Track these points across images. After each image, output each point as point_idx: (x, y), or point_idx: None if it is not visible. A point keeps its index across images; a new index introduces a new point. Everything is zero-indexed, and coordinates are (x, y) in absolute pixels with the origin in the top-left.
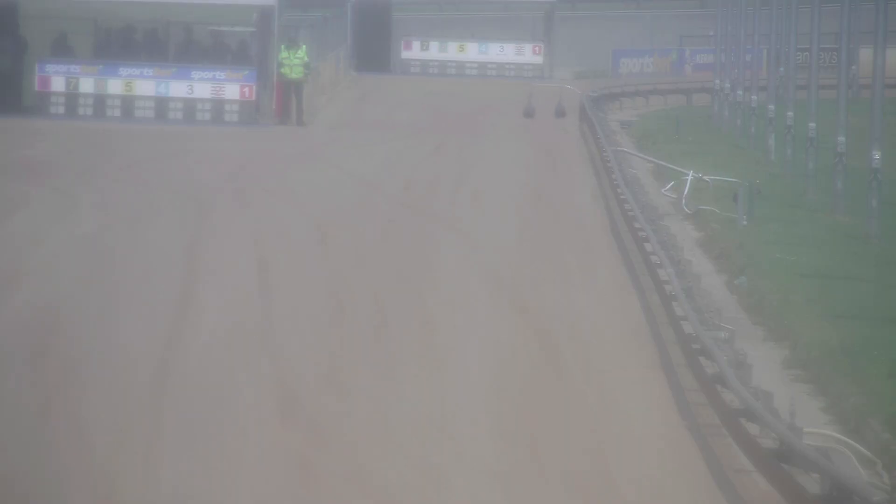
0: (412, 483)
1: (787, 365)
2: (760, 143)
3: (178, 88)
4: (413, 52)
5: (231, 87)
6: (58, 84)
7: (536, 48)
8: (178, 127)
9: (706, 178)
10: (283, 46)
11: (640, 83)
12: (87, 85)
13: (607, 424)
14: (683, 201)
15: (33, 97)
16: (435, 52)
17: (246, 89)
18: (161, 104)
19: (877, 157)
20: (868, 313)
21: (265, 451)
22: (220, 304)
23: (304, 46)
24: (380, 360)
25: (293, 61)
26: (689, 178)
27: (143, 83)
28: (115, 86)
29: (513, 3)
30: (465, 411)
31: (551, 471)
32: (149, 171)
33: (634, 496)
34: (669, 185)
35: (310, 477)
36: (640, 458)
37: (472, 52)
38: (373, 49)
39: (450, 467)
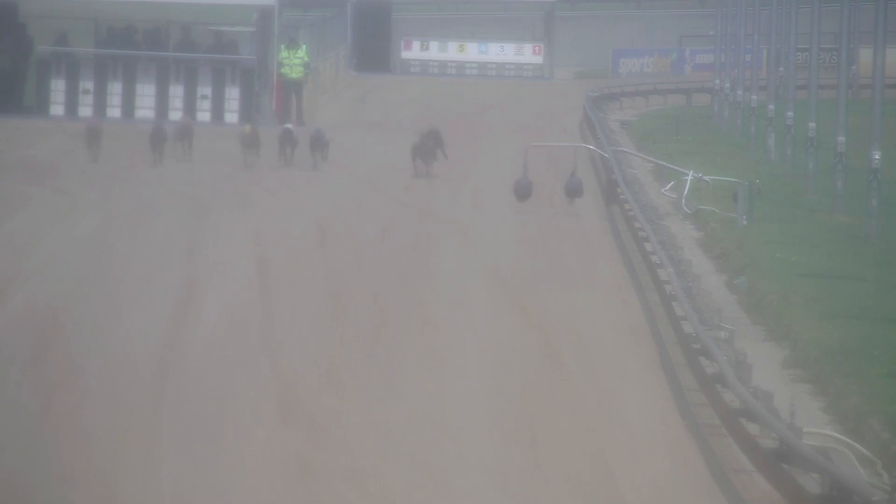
0: (412, 483)
1: (787, 365)
2: (760, 143)
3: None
4: (413, 52)
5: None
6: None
7: (536, 48)
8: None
9: (706, 178)
10: (283, 46)
11: (640, 83)
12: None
13: (607, 424)
14: (683, 201)
15: (33, 97)
16: (435, 52)
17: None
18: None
19: (877, 157)
20: (868, 313)
21: (265, 451)
22: (220, 304)
23: (304, 46)
24: (380, 360)
25: (293, 61)
26: (689, 177)
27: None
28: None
29: (513, 3)
30: (465, 411)
31: (551, 471)
32: (149, 171)
33: (634, 496)
34: (669, 185)
35: (310, 477)
36: (639, 457)
37: (472, 52)
38: (373, 49)
39: (450, 467)
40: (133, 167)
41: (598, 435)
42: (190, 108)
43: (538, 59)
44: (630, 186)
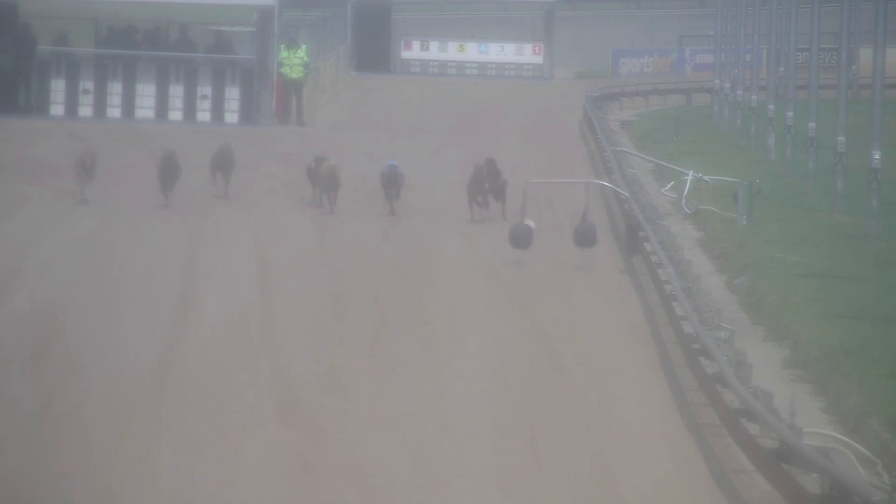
0: (412, 483)
1: (787, 365)
2: (760, 143)
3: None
4: (413, 52)
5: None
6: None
7: (536, 48)
8: (178, 127)
9: (706, 178)
10: (283, 46)
11: (640, 83)
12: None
13: (607, 424)
14: (683, 201)
15: (34, 97)
16: (435, 52)
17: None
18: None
19: (877, 157)
20: (868, 313)
21: (265, 450)
22: (220, 304)
23: (304, 46)
24: (380, 360)
25: (293, 61)
26: (689, 177)
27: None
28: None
29: (513, 3)
30: (465, 411)
31: (551, 471)
32: (149, 171)
33: (634, 496)
34: (669, 185)
35: (310, 476)
36: (639, 457)
37: (472, 52)
38: (373, 49)
39: (450, 467)
40: (133, 167)
41: (598, 435)
42: (190, 108)
43: (538, 59)
44: (630, 187)
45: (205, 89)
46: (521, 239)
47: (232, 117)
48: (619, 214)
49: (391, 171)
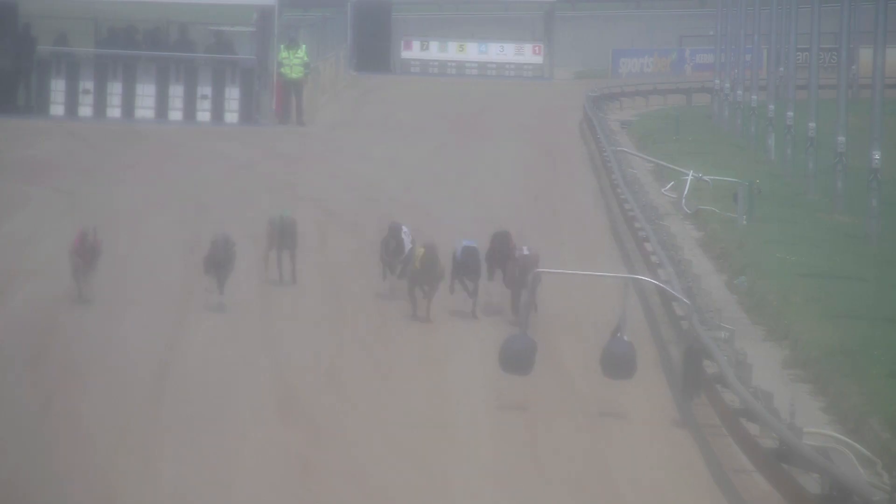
0: (412, 483)
1: (787, 365)
2: (760, 143)
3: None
4: (413, 51)
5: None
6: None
7: (536, 48)
8: (178, 127)
9: (706, 177)
10: (283, 46)
11: (640, 83)
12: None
13: (607, 424)
14: (683, 201)
15: (34, 97)
16: (435, 51)
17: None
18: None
19: (877, 157)
20: (868, 313)
21: (265, 450)
22: (221, 305)
23: (304, 46)
24: (380, 360)
25: (293, 61)
26: (689, 177)
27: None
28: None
29: (513, 3)
30: (465, 411)
31: (551, 471)
32: (149, 171)
33: (634, 496)
34: (669, 185)
35: (310, 476)
36: (639, 457)
37: (472, 52)
38: (373, 49)
39: (450, 467)
40: (133, 167)
41: (598, 435)
42: (190, 108)
43: (538, 59)
44: (630, 186)
45: (205, 89)
46: (517, 358)
47: (232, 117)
48: (666, 318)
49: (468, 255)
